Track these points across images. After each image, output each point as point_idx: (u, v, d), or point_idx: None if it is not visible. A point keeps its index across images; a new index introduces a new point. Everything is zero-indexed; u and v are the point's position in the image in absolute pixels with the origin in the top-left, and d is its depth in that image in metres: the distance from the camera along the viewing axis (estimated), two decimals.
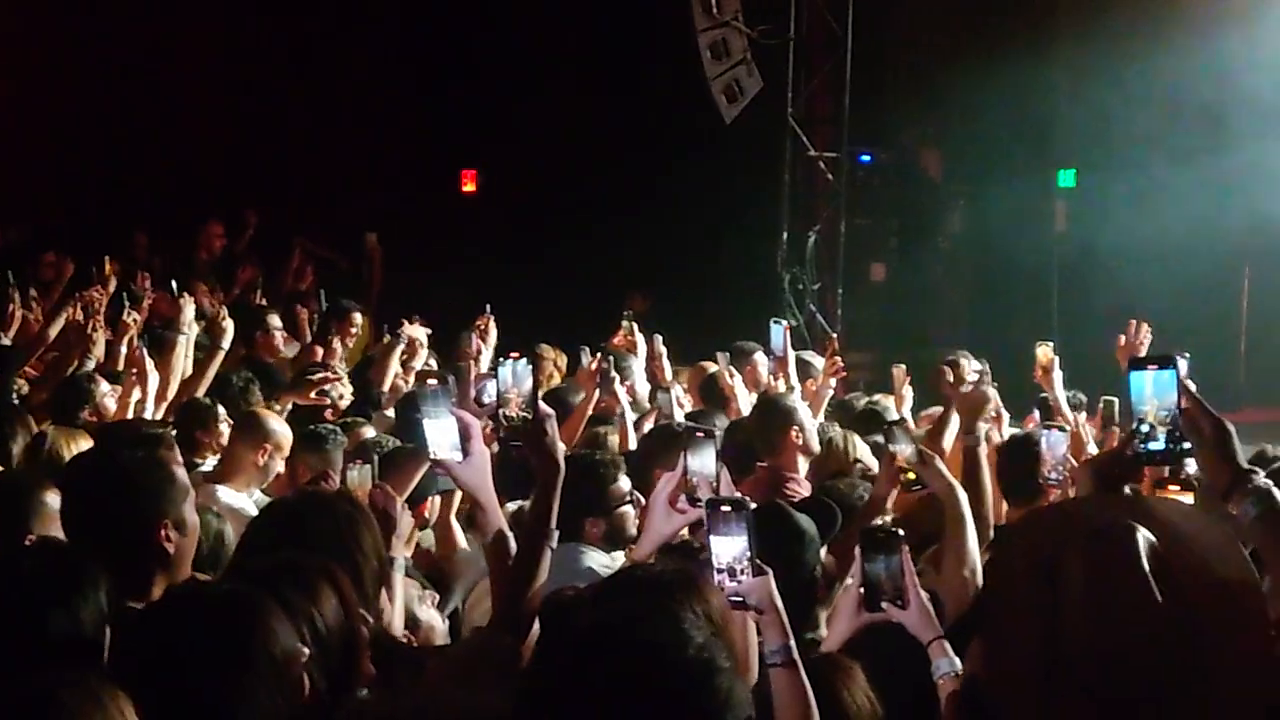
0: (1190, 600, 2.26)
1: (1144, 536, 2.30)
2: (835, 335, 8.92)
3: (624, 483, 5.16)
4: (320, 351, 8.83)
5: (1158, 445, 2.87)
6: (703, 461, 3.92)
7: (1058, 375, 8.06)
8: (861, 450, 6.70)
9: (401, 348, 8.51)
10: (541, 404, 3.64)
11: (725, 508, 3.47)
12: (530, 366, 3.64)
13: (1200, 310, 14.74)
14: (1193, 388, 2.90)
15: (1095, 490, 2.97)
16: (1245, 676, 2.26)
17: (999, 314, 15.62)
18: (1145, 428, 2.88)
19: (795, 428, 6.73)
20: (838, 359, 8.68)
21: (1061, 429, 5.84)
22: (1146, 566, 2.26)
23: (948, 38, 15.89)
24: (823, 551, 4.65)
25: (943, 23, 15.89)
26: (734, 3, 14.59)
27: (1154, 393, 2.89)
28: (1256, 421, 11.92)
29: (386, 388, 8.26)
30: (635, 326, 9.35)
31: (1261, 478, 2.75)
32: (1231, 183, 14.54)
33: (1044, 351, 8.09)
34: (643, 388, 8.63)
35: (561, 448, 3.62)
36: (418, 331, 8.66)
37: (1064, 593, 2.27)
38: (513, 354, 3.67)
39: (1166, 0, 14.98)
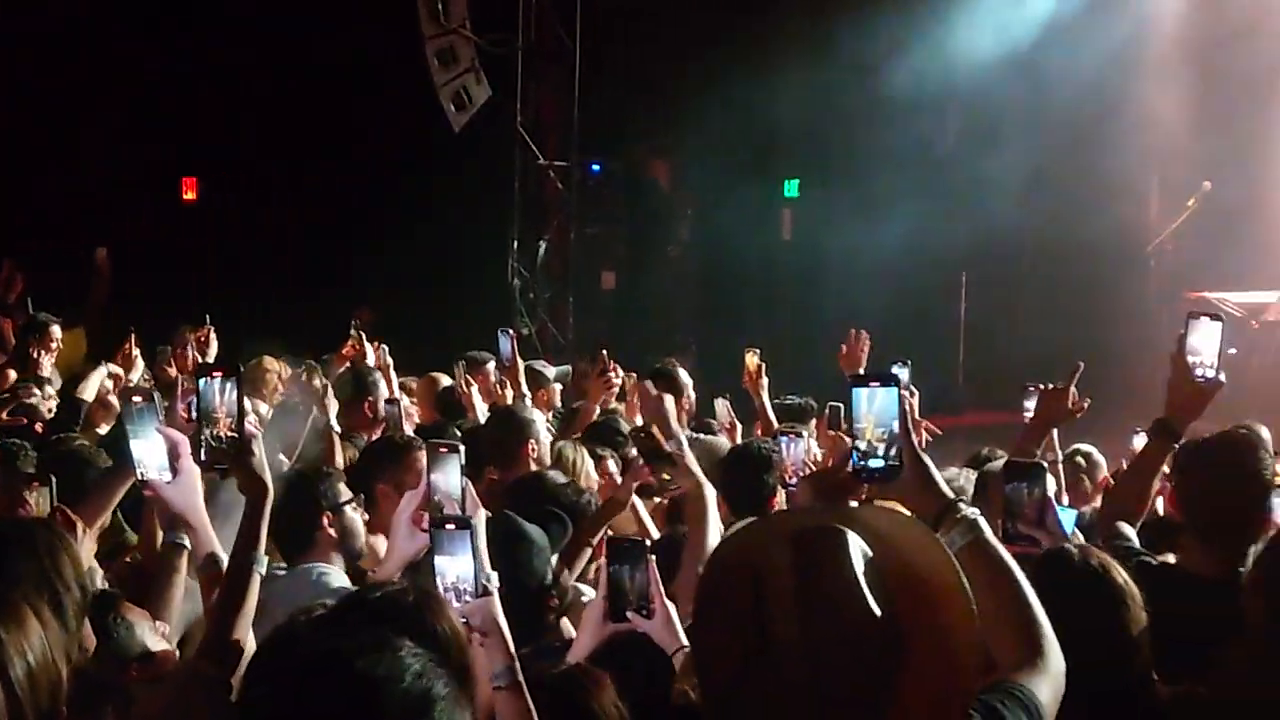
0: (897, 605, 2.27)
1: (854, 539, 2.30)
2: (605, 352, 8.78)
3: (345, 490, 4.96)
4: (13, 375, 8.37)
5: (877, 463, 2.85)
6: (447, 478, 3.81)
7: (764, 381, 8.18)
8: (588, 465, 6.64)
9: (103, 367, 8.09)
10: (248, 424, 3.44)
11: (450, 526, 3.37)
12: (236, 384, 3.42)
13: (921, 316, 15.18)
14: (915, 407, 2.90)
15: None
16: (945, 680, 2.27)
17: (728, 321, 15.82)
18: (863, 445, 2.87)
19: (532, 440, 6.66)
20: (610, 376, 8.49)
21: (800, 434, 5.87)
22: (858, 568, 2.26)
23: (676, 49, 16.03)
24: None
25: (671, 34, 16.03)
26: (462, 10, 14.46)
27: (873, 410, 2.87)
28: (976, 425, 12.28)
29: (89, 397, 7.83)
30: (364, 336, 9.13)
31: (968, 508, 2.77)
32: (949, 192, 15.03)
33: (751, 358, 8.21)
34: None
35: (269, 469, 3.44)
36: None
37: (771, 593, 2.25)
38: (215, 372, 3.43)
39: (885, 15, 15.38)
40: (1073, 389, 4.98)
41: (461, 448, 3.90)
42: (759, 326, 15.27)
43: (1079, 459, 7.11)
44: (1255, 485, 4.22)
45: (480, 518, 3.67)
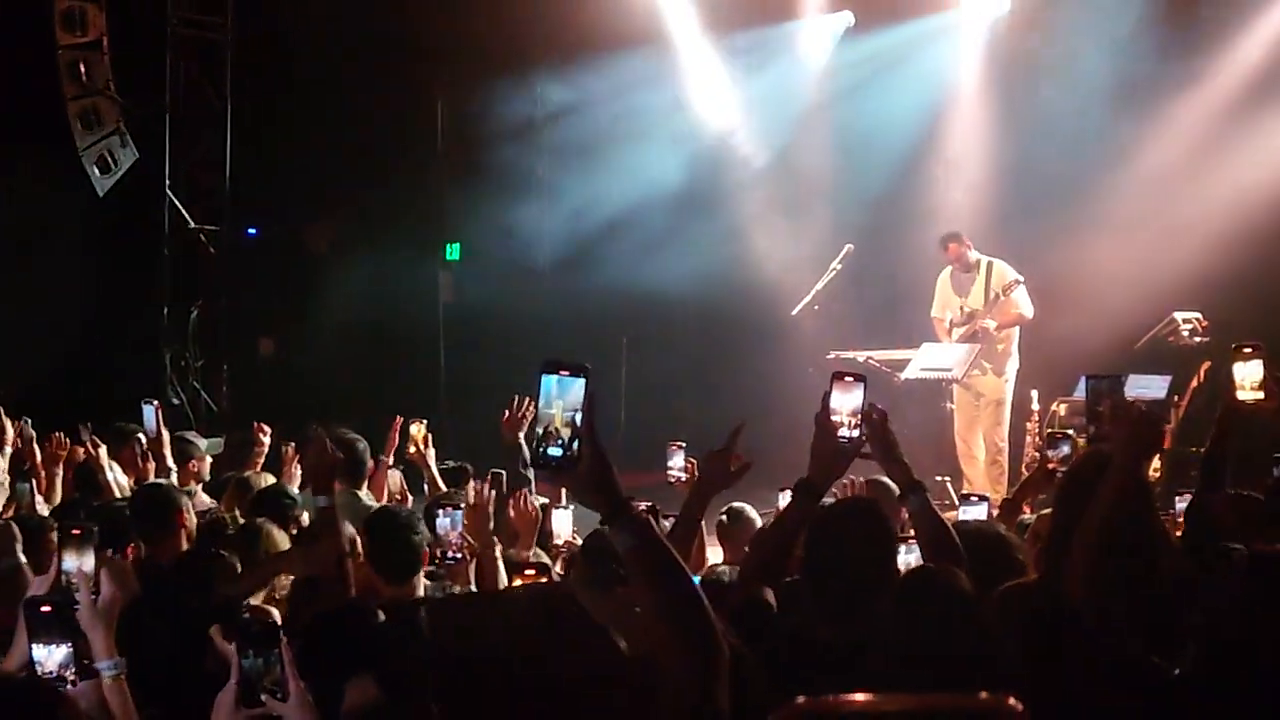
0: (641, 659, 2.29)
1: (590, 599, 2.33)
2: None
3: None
4: None
5: (556, 451, 2.79)
6: (81, 560, 3.67)
7: (431, 451, 8.17)
8: (279, 537, 6.48)
9: None
10: None
11: (45, 608, 3.24)
12: None
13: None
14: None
15: None
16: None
17: (389, 386, 15.68)
18: (543, 432, 2.80)
19: (182, 512, 6.48)
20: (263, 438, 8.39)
21: (458, 506, 5.84)
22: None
23: (334, 112, 15.89)
24: None
25: (329, 97, 15.88)
26: (105, 71, 13.99)
27: (558, 399, 2.80)
28: (637, 486, 12.43)
29: None
30: (1, 412, 8.70)
31: (641, 508, 2.79)
32: (605, 256, 15.26)
33: (417, 429, 8.19)
34: None
35: None
36: None
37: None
38: None
39: (542, 81, 15.59)
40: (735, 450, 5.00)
41: (95, 529, 3.76)
42: (419, 391, 15.20)
43: (725, 516, 7.24)
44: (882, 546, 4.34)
45: (109, 598, 3.53)
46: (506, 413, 8.05)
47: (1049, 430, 10.73)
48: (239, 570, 5.15)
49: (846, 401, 4.21)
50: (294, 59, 15.84)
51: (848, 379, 4.24)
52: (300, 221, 17.06)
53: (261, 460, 8.85)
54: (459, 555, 5.59)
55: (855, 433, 4.22)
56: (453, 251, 17.30)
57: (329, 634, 4.04)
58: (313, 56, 15.73)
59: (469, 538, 5.69)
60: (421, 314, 16.64)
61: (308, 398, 15.25)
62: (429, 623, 3.87)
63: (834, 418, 4.21)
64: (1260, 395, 5.12)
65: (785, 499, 7.04)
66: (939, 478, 11.83)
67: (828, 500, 4.58)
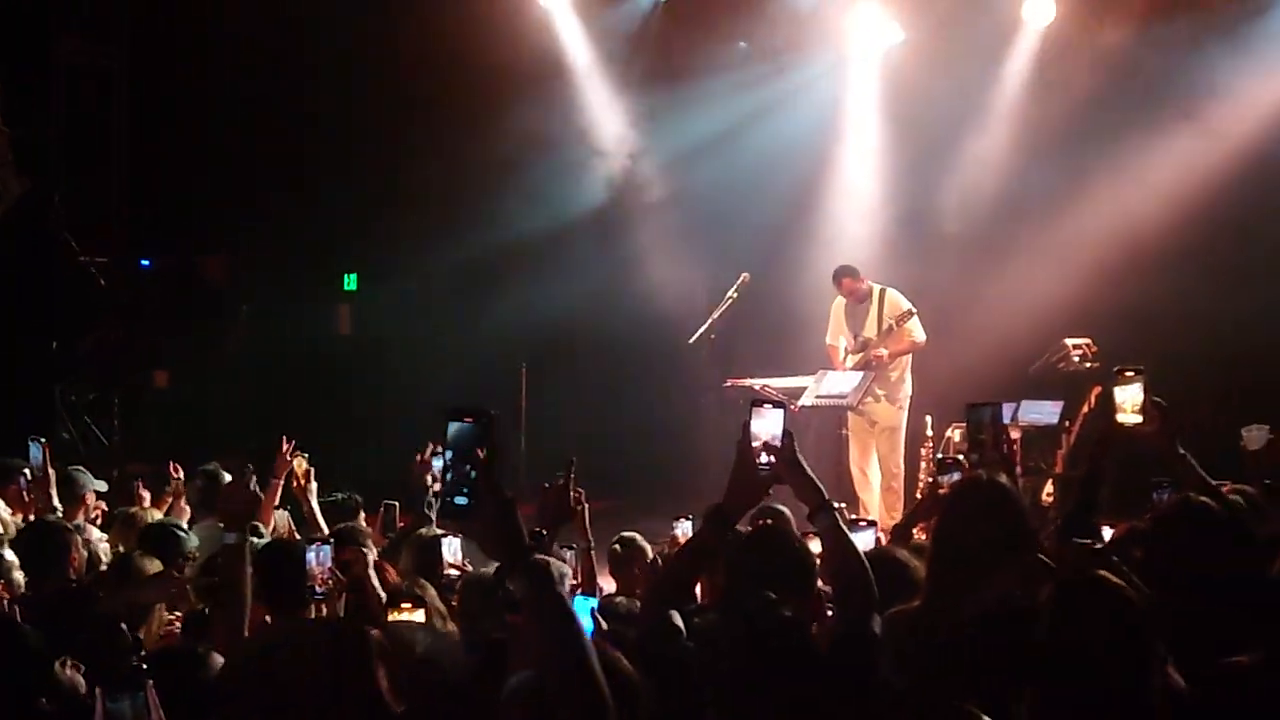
0: (424, 703, 2.31)
1: (376, 643, 2.33)
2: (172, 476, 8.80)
3: None
4: None
5: (463, 500, 2.83)
6: None
7: (313, 486, 8.12)
8: (153, 570, 6.42)
9: None
10: None
11: None
12: None
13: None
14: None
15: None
16: None
17: (285, 419, 15.50)
18: (449, 480, 2.83)
19: (70, 549, 6.45)
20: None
21: (328, 541, 5.81)
22: (382, 674, 2.28)
23: (230, 140, 15.76)
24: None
25: (223, 125, 15.75)
26: None
27: (463, 443, 2.83)
28: (532, 515, 12.39)
29: None
30: None
31: (537, 556, 2.81)
32: (505, 283, 15.25)
33: (299, 463, 8.13)
34: None
35: None
36: None
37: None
38: None
39: (437, 109, 15.56)
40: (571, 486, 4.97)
41: None
42: (317, 422, 15.03)
43: (617, 545, 7.23)
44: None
45: None
46: (419, 457, 7.97)
47: (940, 456, 10.85)
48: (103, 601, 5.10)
49: (765, 429, 4.16)
50: (189, 87, 15.70)
51: (766, 406, 4.19)
52: (195, 252, 16.88)
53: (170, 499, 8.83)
54: (323, 591, 5.55)
55: (775, 459, 4.16)
56: (350, 281, 17.21)
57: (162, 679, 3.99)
58: (208, 84, 15.62)
59: (338, 573, 5.67)
60: (319, 345, 16.51)
61: (202, 432, 15.07)
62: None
63: (754, 445, 4.16)
64: (1139, 419, 5.18)
65: (680, 527, 7.12)
66: (834, 504, 11.89)
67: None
